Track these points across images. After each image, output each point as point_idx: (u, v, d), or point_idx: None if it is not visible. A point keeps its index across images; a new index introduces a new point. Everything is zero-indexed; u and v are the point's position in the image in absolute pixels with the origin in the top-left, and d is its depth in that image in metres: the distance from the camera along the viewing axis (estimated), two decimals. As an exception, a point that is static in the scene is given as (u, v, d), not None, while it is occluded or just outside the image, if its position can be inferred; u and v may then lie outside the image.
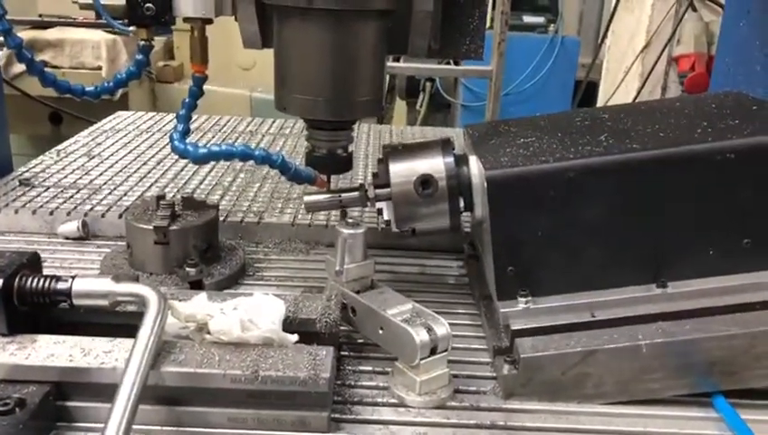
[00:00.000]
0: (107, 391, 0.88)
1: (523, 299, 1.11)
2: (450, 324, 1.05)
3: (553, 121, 1.31)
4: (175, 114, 1.26)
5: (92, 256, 1.45)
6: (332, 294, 1.13)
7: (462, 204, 1.21)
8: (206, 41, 1.20)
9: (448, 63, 4.38)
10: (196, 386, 0.94)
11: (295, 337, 1.01)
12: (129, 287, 1.01)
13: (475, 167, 1.20)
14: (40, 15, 3.69)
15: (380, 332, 1.08)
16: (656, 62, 3.51)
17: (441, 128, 2.63)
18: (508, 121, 1.34)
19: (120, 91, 3.48)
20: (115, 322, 1.06)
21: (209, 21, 1.20)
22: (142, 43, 1.20)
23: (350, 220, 1.17)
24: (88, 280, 1.01)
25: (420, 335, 1.01)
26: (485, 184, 1.09)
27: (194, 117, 2.52)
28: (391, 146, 1.24)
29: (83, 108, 3.17)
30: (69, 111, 3.29)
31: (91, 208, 1.59)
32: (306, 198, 1.25)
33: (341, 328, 1.15)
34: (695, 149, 1.08)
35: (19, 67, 3.41)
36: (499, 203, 1.10)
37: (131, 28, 1.19)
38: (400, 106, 5.66)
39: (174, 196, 1.65)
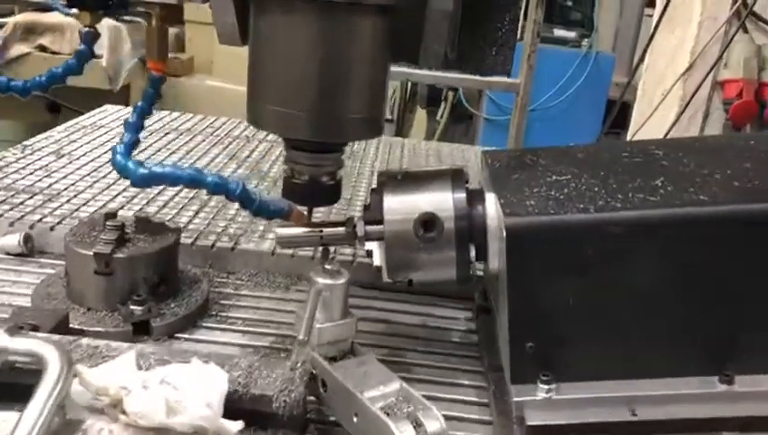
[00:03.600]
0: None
1: (545, 386, 0.86)
2: (449, 402, 0.81)
3: (594, 155, 1.06)
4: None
5: (31, 277, 1.22)
6: (299, 360, 0.88)
7: (473, 253, 0.96)
8: (166, 32, 0.97)
9: (472, 73, 4.13)
10: (93, 491, 0.69)
11: (239, 425, 0.76)
12: (25, 344, 0.77)
13: (492, 208, 0.95)
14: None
15: (354, 419, 0.83)
16: (699, 87, 3.23)
17: (459, 145, 2.38)
18: (537, 151, 1.09)
19: (120, 84, 3.27)
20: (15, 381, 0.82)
21: (174, 6, 0.96)
22: (85, 29, 0.96)
23: (330, 266, 0.92)
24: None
25: (405, 433, 0.76)
26: (504, 233, 0.84)
27: (187, 116, 2.32)
28: (388, 173, 0.99)
29: (80, 99, 2.95)
30: (64, 103, 3.09)
31: (41, 219, 1.36)
32: (278, 232, 1.00)
33: (310, 403, 0.90)
34: (785, 207, 0.83)
35: (16, 50, 3.22)
36: (521, 259, 0.85)
37: (73, 11, 0.96)
38: (421, 115, 5.41)
39: (144, 212, 1.42)
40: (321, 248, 1.02)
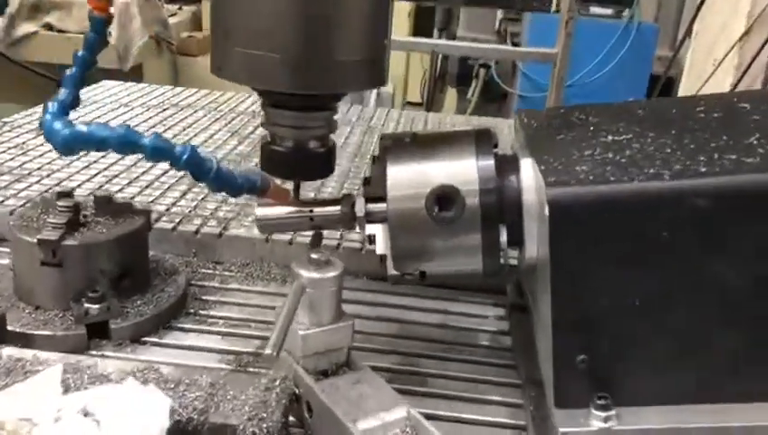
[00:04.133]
0: None
1: (601, 412, 0.64)
2: (475, 425, 0.63)
3: (660, 111, 0.83)
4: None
5: (-18, 270, 1.03)
6: (277, 377, 0.68)
7: (504, 236, 0.75)
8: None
9: (505, 43, 3.87)
10: None
11: (184, 470, 0.56)
12: None
13: (529, 177, 0.73)
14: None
15: (346, 458, 0.62)
16: (757, 53, 2.93)
17: (491, 118, 2.15)
18: (586, 108, 0.86)
19: (130, 63, 3.10)
20: None
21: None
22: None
23: (317, 255, 0.71)
24: None
25: (410, 484, 0.56)
26: (546, 209, 0.62)
27: (190, 91, 2.13)
28: (393, 136, 0.78)
29: (89, 80, 2.78)
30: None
31: (2, 201, 1.18)
32: (258, 212, 0.80)
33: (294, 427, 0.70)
34: None
35: (22, 30, 3.07)
36: (569, 243, 0.63)
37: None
38: (451, 95, 5.17)
39: (124, 194, 1.23)
40: (311, 235, 0.82)
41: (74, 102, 0.76)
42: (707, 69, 3.28)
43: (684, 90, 3.67)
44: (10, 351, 0.70)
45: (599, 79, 4.30)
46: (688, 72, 3.56)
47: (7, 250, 1.08)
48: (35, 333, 0.86)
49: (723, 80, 3.14)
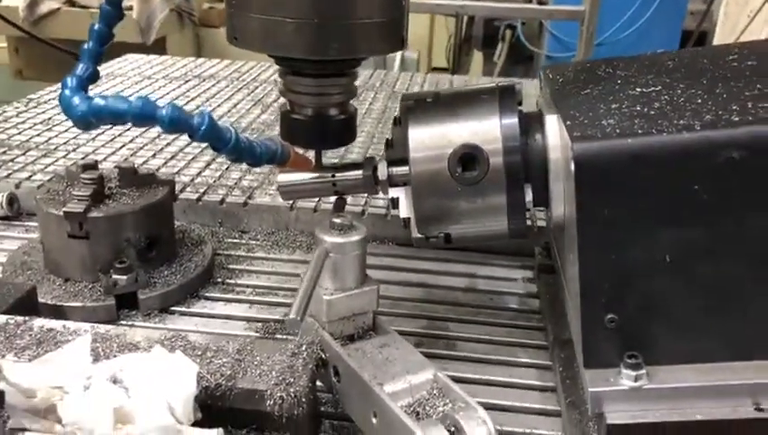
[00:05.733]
0: None
1: (631, 371, 0.63)
2: (503, 387, 0.63)
3: (690, 60, 0.80)
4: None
5: (13, 243, 1.05)
6: (303, 342, 0.68)
7: (530, 196, 0.73)
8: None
9: (531, 2, 3.77)
10: None
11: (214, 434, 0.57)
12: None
13: (554, 134, 0.71)
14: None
15: (373, 420, 0.62)
16: (795, 2, 2.83)
17: (517, 80, 2.10)
18: (613, 61, 0.83)
19: (153, 36, 3.10)
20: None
21: None
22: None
23: (339, 219, 0.70)
24: None
25: (438, 445, 0.55)
26: (572, 164, 0.61)
27: (212, 62, 2.12)
28: (415, 96, 0.76)
29: (111, 55, 2.79)
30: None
31: (30, 177, 1.19)
32: (280, 178, 0.79)
33: (320, 398, 0.70)
34: None
35: (45, 6, 3.08)
36: (596, 199, 0.61)
37: None
38: (477, 58, 5.08)
39: (148, 166, 1.24)
40: (334, 201, 0.82)
41: (93, 77, 0.75)
42: (742, 21, 3.17)
43: (717, 43, 3.56)
44: (41, 322, 0.71)
45: (629, 36, 4.19)
46: (722, 26, 3.44)
47: (36, 224, 1.10)
48: (66, 304, 0.87)
49: (759, 32, 3.03)
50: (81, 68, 0.75)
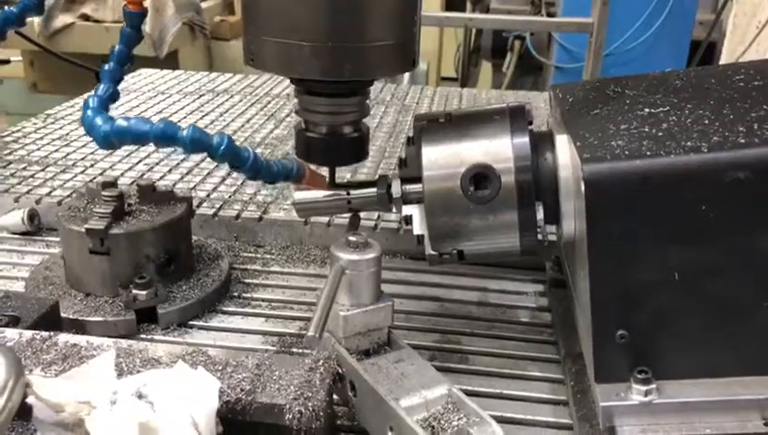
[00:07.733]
0: None
1: (642, 386, 0.64)
2: (515, 400, 0.64)
3: (697, 81, 0.82)
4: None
5: (34, 258, 1.08)
6: (320, 357, 0.69)
7: (541, 214, 0.75)
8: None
9: (540, 14, 3.79)
10: None
11: (235, 448, 0.59)
12: (-36, 350, 0.61)
13: (565, 153, 0.72)
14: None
15: (389, 434, 0.64)
16: (803, 13, 2.84)
17: (526, 93, 2.13)
18: (621, 80, 0.85)
19: (166, 50, 3.14)
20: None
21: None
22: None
23: (355, 237, 0.72)
24: None
25: (453, 459, 0.57)
26: (583, 185, 0.62)
27: (225, 76, 2.15)
28: (428, 116, 0.78)
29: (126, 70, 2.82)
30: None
31: (50, 192, 1.22)
32: (296, 196, 0.81)
33: (336, 411, 0.72)
34: None
35: (60, 21, 3.13)
36: (606, 219, 0.63)
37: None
38: (486, 69, 5.10)
39: (165, 181, 1.26)
40: (349, 218, 0.84)
41: (113, 97, 0.78)
42: (750, 32, 3.17)
43: (726, 54, 3.56)
44: (66, 337, 0.73)
45: (637, 47, 4.19)
46: (731, 36, 3.45)
47: (57, 239, 1.12)
48: (87, 319, 0.89)
49: (765, 44, 3.04)
50: (102, 89, 0.78)
